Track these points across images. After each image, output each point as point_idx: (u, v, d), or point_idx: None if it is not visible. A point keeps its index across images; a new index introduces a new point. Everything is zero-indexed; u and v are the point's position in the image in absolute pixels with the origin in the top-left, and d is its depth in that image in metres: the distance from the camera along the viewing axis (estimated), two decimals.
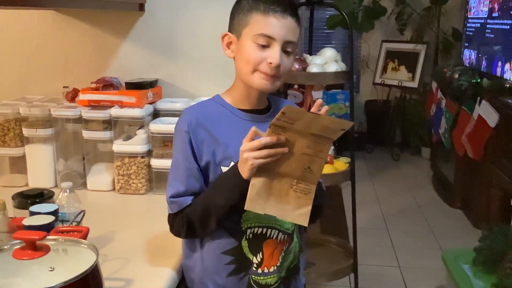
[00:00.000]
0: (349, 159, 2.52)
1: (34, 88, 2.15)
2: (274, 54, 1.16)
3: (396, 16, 5.82)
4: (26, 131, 1.90)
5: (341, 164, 2.50)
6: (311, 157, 1.10)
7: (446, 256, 2.84)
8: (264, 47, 1.17)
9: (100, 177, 1.92)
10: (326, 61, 2.28)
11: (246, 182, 1.11)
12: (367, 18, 5.57)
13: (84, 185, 1.92)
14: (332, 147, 2.52)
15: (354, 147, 2.58)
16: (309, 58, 2.32)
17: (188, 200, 1.20)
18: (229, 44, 1.24)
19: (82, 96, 1.91)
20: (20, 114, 1.90)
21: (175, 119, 1.89)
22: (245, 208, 1.11)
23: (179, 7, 2.05)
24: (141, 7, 2.06)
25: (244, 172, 1.10)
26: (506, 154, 3.34)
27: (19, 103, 1.95)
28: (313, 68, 2.23)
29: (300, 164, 1.11)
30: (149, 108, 1.92)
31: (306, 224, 1.14)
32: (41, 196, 1.44)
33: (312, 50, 2.78)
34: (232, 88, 1.28)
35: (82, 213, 1.36)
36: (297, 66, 2.22)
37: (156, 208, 1.71)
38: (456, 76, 4.31)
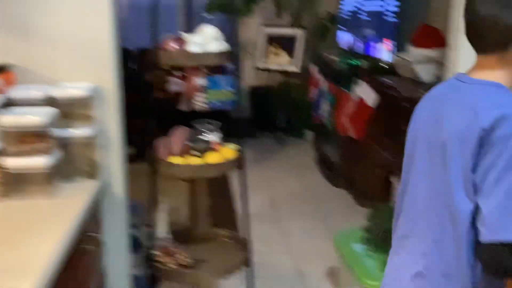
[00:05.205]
0: (236, 146, 2.38)
1: None
2: None
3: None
4: None
5: (229, 151, 2.35)
6: None
7: (337, 237, 2.84)
8: None
9: None
10: (206, 39, 2.10)
11: None
12: (246, 2, 5.47)
13: None
14: (218, 134, 2.37)
15: (242, 133, 2.45)
16: (187, 36, 2.11)
17: None
18: None
19: None
20: None
21: (34, 110, 1.62)
22: None
23: None
24: None
25: None
26: (387, 132, 3.43)
27: None
28: (193, 47, 2.04)
29: None
30: None
31: None
32: None
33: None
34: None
35: None
36: (174, 46, 2.01)
37: (14, 217, 1.42)
38: (335, 58, 4.40)
